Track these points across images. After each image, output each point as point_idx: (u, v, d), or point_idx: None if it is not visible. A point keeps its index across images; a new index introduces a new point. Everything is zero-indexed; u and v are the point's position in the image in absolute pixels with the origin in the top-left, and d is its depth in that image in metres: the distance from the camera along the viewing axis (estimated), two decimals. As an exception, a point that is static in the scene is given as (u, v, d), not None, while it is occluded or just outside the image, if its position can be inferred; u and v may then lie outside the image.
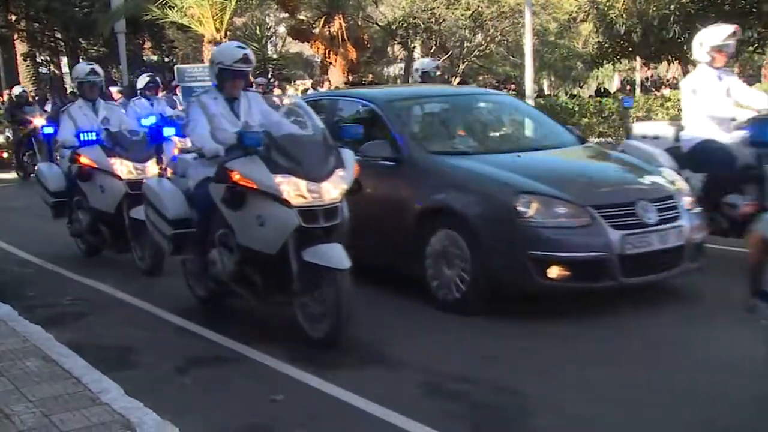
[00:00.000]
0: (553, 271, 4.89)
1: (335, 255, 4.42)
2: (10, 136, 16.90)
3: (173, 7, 19.31)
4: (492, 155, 5.76)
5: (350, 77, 22.63)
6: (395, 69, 38.58)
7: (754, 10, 17.63)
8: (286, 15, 26.38)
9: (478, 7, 25.08)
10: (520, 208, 4.94)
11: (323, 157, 4.65)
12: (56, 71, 32.19)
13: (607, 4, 18.76)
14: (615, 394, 3.83)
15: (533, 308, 5.19)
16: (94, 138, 6.80)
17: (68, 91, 23.93)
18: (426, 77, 9.41)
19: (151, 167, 6.77)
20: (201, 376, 4.31)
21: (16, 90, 16.95)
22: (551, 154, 5.99)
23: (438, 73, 9.79)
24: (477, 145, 6.21)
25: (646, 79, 29.63)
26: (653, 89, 24.97)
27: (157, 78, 10.53)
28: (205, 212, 5.10)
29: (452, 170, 5.48)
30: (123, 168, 6.75)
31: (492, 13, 25.22)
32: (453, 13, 25.03)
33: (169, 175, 5.97)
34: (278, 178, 4.49)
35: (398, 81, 33.08)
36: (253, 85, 18.87)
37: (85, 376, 3.97)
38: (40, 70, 30.76)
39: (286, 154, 4.58)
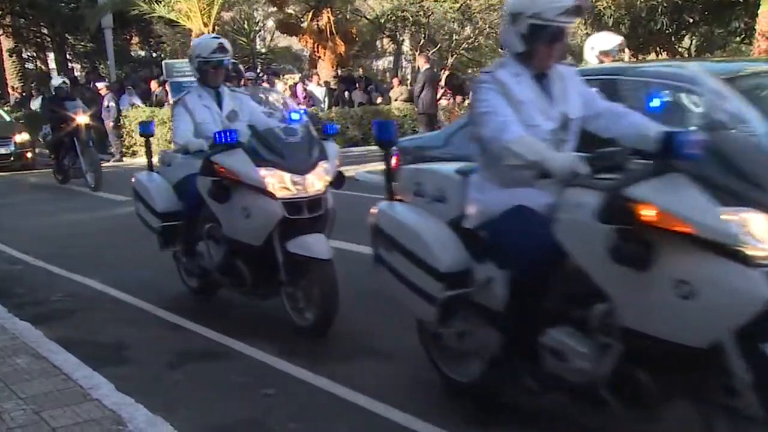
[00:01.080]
0: None
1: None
2: (48, 133, 14.06)
3: (160, 2, 19.30)
4: None
5: (339, 71, 22.62)
6: (384, 63, 38.63)
7: (741, 0, 17.71)
8: (274, 9, 26.33)
9: (467, -1, 25.06)
10: None
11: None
12: (43, 67, 32.11)
13: (595, -5, 18.82)
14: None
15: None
16: (233, 139, 4.76)
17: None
18: (605, 59, 7.49)
19: (313, 180, 4.73)
20: (193, 372, 4.29)
21: (56, 81, 14.12)
22: None
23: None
24: None
25: (635, 70, 29.75)
26: (642, 81, 25.01)
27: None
28: (543, 267, 3.02)
29: None
30: (275, 181, 4.65)
31: (480, 5, 25.19)
32: (441, 6, 24.99)
33: (401, 196, 3.87)
34: (728, 213, 2.54)
35: (387, 75, 33.06)
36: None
37: (76, 372, 3.95)
38: (26, 66, 30.68)
39: (737, 170, 2.73)
